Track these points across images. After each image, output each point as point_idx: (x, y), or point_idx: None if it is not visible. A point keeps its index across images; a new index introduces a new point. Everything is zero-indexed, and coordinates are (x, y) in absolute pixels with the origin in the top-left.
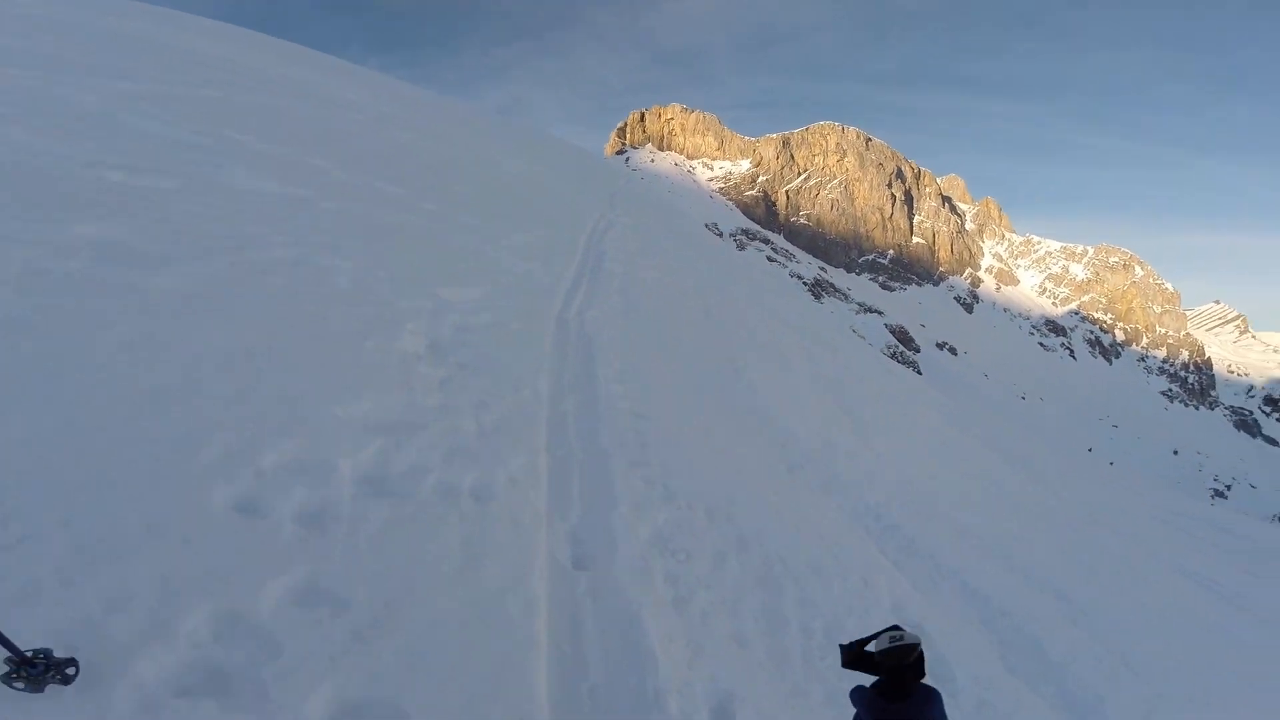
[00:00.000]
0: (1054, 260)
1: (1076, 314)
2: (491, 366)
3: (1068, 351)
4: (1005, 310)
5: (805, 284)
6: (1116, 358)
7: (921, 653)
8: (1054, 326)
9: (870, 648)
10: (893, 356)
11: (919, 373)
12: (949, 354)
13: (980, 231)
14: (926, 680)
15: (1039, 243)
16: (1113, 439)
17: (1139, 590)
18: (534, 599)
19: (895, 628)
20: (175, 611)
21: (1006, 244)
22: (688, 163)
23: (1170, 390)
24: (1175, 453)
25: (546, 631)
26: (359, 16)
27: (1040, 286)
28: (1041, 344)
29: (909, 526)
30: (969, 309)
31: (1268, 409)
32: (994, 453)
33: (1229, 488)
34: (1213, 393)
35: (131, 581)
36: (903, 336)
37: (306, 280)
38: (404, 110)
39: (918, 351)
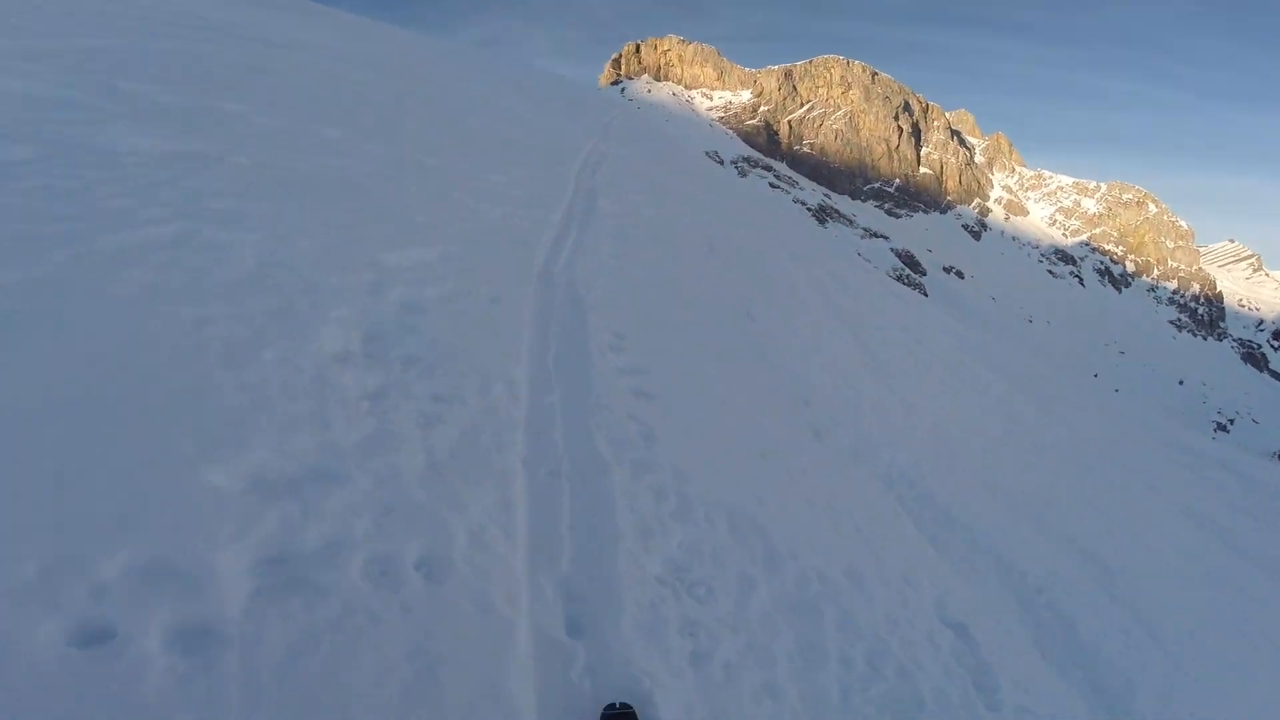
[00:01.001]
0: (1065, 194)
1: (1087, 245)
2: (449, 358)
3: (1076, 279)
4: (1014, 239)
5: (809, 210)
6: (1126, 287)
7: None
8: (1064, 256)
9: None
10: (899, 279)
11: (925, 294)
12: (956, 277)
13: (990, 165)
14: None
15: (1050, 177)
16: (1118, 366)
17: (1156, 541)
18: (515, 712)
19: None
20: None
21: (1017, 177)
22: (686, 92)
23: (1179, 320)
24: (1181, 382)
25: None
26: None
27: (1050, 218)
28: (1050, 271)
29: (942, 494)
30: (977, 236)
31: (1277, 343)
32: (1006, 380)
33: (1232, 422)
34: (1222, 324)
35: None
36: (909, 260)
37: (187, 267)
38: (365, 48)
39: (924, 275)
